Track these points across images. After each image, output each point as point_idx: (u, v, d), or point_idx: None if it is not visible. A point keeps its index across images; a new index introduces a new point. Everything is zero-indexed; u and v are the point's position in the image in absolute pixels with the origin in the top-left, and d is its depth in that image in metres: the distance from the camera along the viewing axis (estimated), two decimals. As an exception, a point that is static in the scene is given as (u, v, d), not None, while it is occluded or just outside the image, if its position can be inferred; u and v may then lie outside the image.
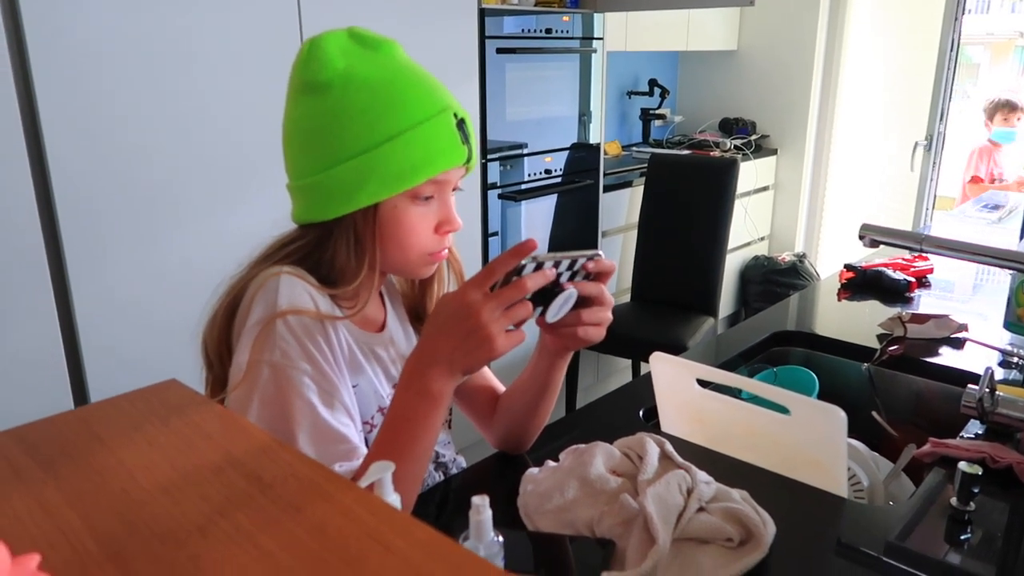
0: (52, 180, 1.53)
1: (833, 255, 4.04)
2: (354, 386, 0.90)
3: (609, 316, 0.84)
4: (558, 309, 0.80)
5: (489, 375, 1.10)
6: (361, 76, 0.84)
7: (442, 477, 1.03)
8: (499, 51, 2.41)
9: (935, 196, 4.02)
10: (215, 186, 1.77)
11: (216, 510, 0.46)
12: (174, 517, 0.45)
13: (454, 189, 0.92)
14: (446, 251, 0.93)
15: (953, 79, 3.79)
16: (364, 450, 0.84)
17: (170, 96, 1.66)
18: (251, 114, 1.79)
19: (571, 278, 0.80)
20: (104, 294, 1.63)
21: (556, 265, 0.77)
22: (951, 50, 3.70)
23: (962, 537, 0.89)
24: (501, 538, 0.69)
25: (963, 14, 3.66)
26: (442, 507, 0.97)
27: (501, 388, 1.08)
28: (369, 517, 0.45)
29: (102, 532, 0.44)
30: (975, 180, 3.95)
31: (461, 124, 0.88)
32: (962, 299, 1.78)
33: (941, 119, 3.84)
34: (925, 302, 1.73)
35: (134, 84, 1.61)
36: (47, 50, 1.48)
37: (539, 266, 0.76)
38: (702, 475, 0.87)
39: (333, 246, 0.89)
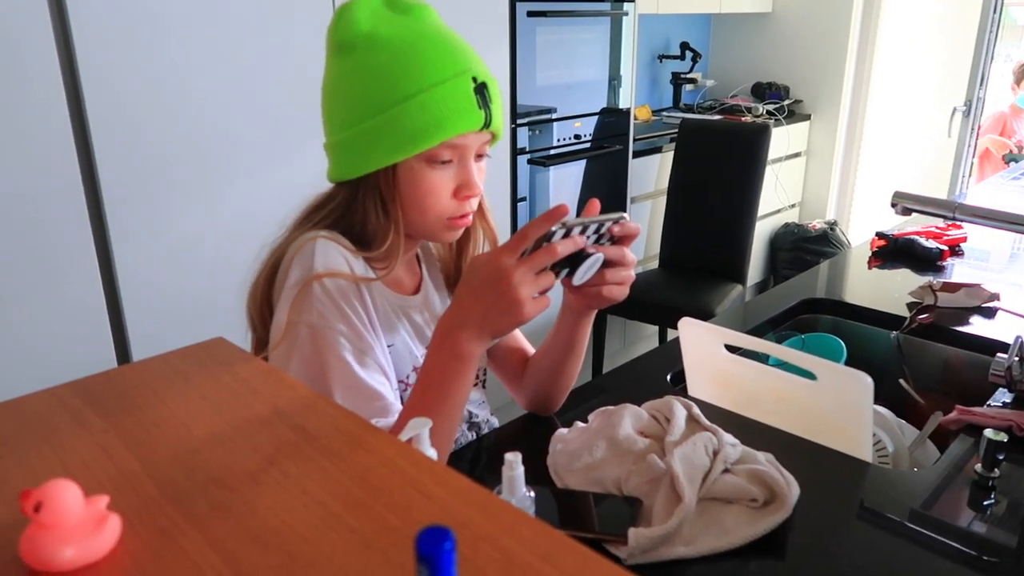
0: (93, 144, 1.56)
1: (865, 223, 3.99)
2: (389, 346, 0.93)
3: (632, 275, 0.85)
4: (584, 272, 0.81)
5: (520, 338, 1.12)
6: (384, 37, 0.86)
7: (475, 437, 1.05)
8: (530, 14, 2.39)
9: (972, 163, 3.93)
10: (260, 143, 1.80)
11: (266, 459, 0.49)
12: (227, 465, 0.48)
13: (480, 156, 0.93)
14: (468, 217, 0.94)
15: (996, 42, 3.68)
16: (399, 407, 0.87)
17: (209, 61, 1.68)
18: (289, 78, 1.80)
19: (597, 241, 0.82)
20: (146, 252, 1.67)
21: (584, 230, 0.79)
22: (994, 11, 3.59)
23: (986, 504, 0.90)
24: (532, 493, 0.72)
25: (1008, -26, 3.55)
26: (475, 463, 1.00)
27: (532, 350, 1.10)
28: (410, 467, 0.48)
29: (161, 477, 0.47)
30: (986, 155, 3.85)
31: (481, 88, 0.88)
32: (997, 269, 1.76)
33: (981, 84, 3.74)
34: (958, 271, 1.71)
35: (179, 37, 1.62)
36: (89, 25, 1.50)
37: (568, 232, 0.77)
38: (728, 437, 0.88)
39: (362, 207, 0.91)
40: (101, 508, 0.40)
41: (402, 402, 0.91)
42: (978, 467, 0.92)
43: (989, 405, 1.10)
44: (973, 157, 3.90)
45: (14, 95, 1.45)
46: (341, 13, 0.88)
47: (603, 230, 0.81)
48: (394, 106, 0.85)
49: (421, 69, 0.85)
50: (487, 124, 0.89)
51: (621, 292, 0.85)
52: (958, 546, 0.82)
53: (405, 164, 0.88)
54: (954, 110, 3.85)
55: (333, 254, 0.88)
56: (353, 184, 0.91)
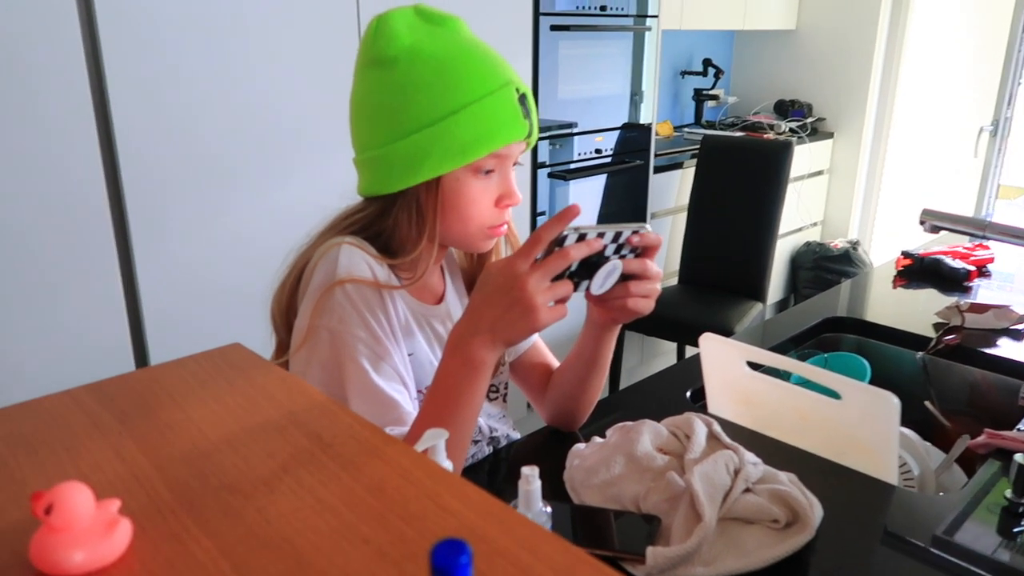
0: (118, 150, 1.57)
1: (888, 243, 3.94)
2: (409, 354, 0.93)
3: (658, 288, 0.84)
4: (602, 281, 0.80)
5: (545, 352, 1.11)
6: (427, 51, 0.86)
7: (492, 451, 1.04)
8: (553, 28, 2.39)
9: (999, 184, 3.88)
10: (277, 158, 1.81)
11: (280, 466, 0.48)
12: (241, 471, 0.47)
13: (514, 164, 0.93)
14: (505, 226, 0.94)
15: (1024, 62, 3.64)
16: (415, 415, 0.86)
17: (233, 72, 1.70)
18: (311, 88, 1.81)
19: (616, 251, 0.80)
20: (166, 262, 1.68)
21: (600, 236, 0.77)
22: (1023, 31, 3.55)
23: (1015, 530, 0.88)
24: (549, 508, 0.70)
25: (1037, -6, 3.51)
26: (493, 476, 0.99)
27: (556, 364, 1.08)
28: (426, 478, 0.47)
29: (175, 482, 0.46)
30: None
31: (523, 99, 0.89)
32: (1025, 290, 1.72)
33: (1009, 104, 3.70)
34: (985, 292, 1.68)
35: (199, 57, 1.64)
36: (116, 26, 1.52)
37: (582, 237, 0.76)
38: (750, 456, 0.86)
39: (395, 218, 0.91)
40: (112, 512, 0.40)
41: (419, 412, 0.90)
42: (1008, 493, 0.90)
43: (1019, 429, 1.07)
44: (1000, 178, 3.85)
45: (40, 98, 1.47)
46: (378, 27, 0.87)
47: (622, 239, 0.79)
48: (443, 119, 0.84)
49: (468, 82, 0.85)
50: (529, 133, 0.90)
51: (647, 305, 0.84)
52: (985, 574, 0.79)
53: (451, 175, 0.88)
54: (981, 130, 3.81)
55: (357, 260, 0.88)
56: (389, 196, 0.90)
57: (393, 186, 0.89)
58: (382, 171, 0.89)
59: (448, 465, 0.61)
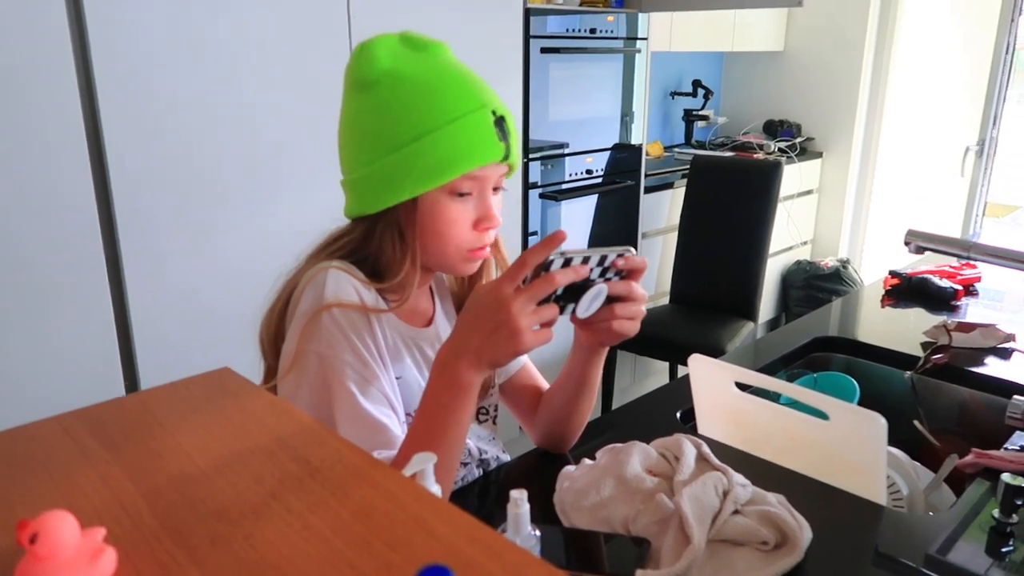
0: (110, 173, 1.58)
1: (878, 261, 3.97)
2: (398, 378, 0.93)
3: (643, 310, 0.85)
4: (588, 305, 0.81)
5: (535, 374, 1.11)
6: (405, 74, 0.87)
7: (482, 474, 1.04)
8: (543, 51, 2.42)
9: (986, 203, 3.92)
10: (267, 181, 1.82)
11: (269, 492, 0.48)
12: (229, 497, 0.47)
13: (497, 188, 0.94)
14: (487, 249, 0.94)
15: (1008, 83, 3.70)
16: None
17: (224, 94, 1.71)
18: (302, 112, 1.83)
19: (602, 274, 0.81)
20: (157, 285, 1.68)
21: (585, 261, 0.78)
22: (1006, 52, 3.61)
23: (1004, 550, 0.88)
24: (538, 532, 0.70)
25: (1020, 15, 3.57)
26: (482, 499, 0.99)
27: (546, 386, 1.09)
28: (413, 503, 0.47)
29: (161, 509, 0.46)
30: None
31: (500, 122, 0.89)
32: (1012, 309, 1.74)
33: (994, 124, 3.75)
34: (972, 311, 1.69)
35: (189, 82, 1.65)
36: (109, 53, 1.53)
37: (567, 262, 0.77)
38: (738, 477, 0.87)
39: (379, 240, 0.91)
40: (98, 540, 0.40)
41: (408, 435, 0.90)
42: (996, 512, 0.90)
43: (1007, 448, 1.08)
44: (987, 196, 3.89)
45: (31, 120, 1.47)
46: (360, 52, 0.89)
47: (607, 263, 0.80)
48: (418, 140, 0.86)
49: (444, 104, 0.86)
50: (506, 156, 0.90)
51: (631, 327, 0.84)
52: (976, 594, 0.79)
53: (428, 196, 0.89)
54: (967, 149, 3.85)
55: (344, 284, 0.88)
56: (372, 218, 0.92)
57: (374, 206, 0.90)
58: (363, 192, 0.90)
59: (436, 489, 0.61)
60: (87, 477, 0.49)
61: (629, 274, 0.82)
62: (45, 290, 1.53)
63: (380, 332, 0.90)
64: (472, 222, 0.91)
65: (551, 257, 0.75)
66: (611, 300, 0.82)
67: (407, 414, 0.94)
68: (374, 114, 0.88)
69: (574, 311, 0.81)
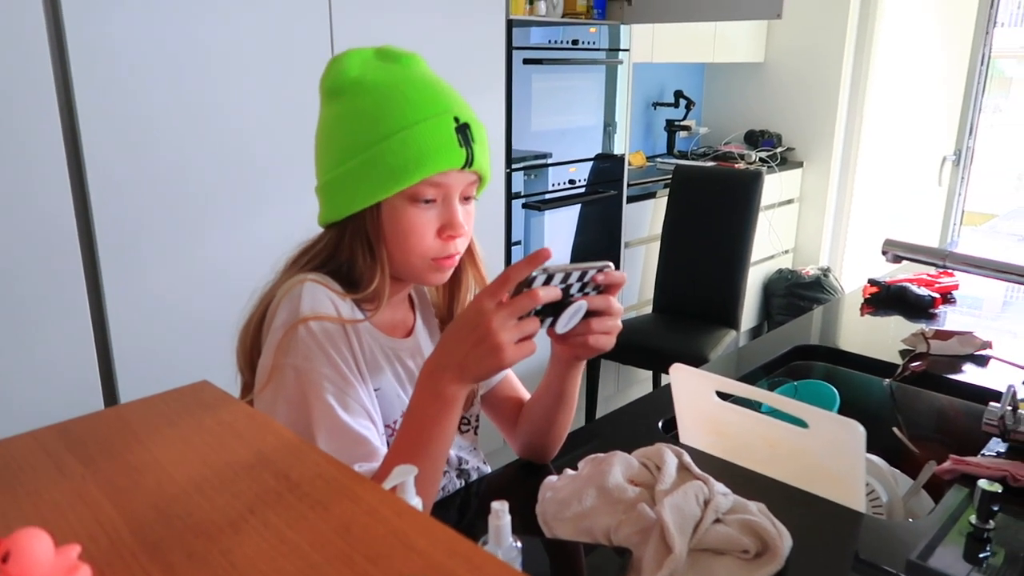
0: (89, 185, 1.57)
1: (858, 269, 4.01)
2: (376, 389, 0.92)
3: (619, 325, 0.85)
4: (567, 321, 0.81)
5: (517, 385, 1.11)
6: (370, 82, 0.88)
7: (463, 484, 1.04)
8: (526, 61, 2.43)
9: (963, 211, 3.98)
10: (246, 191, 1.81)
11: (247, 506, 0.48)
12: (207, 512, 0.47)
13: (468, 199, 0.93)
14: (454, 258, 0.94)
15: (984, 93, 3.75)
16: (384, 451, 0.86)
17: (204, 103, 1.70)
18: (283, 122, 1.82)
19: (581, 289, 0.81)
20: (136, 297, 1.66)
21: (567, 277, 0.79)
22: (982, 63, 3.67)
23: (981, 556, 0.89)
24: (519, 544, 0.70)
25: (995, 27, 3.63)
26: (463, 511, 0.99)
27: (527, 397, 1.09)
28: (393, 517, 0.47)
29: (138, 525, 0.46)
30: None
31: (464, 128, 0.88)
32: (989, 316, 1.76)
33: (970, 134, 3.80)
34: (950, 319, 1.72)
35: (169, 91, 1.65)
36: (87, 59, 1.52)
37: (550, 278, 0.77)
38: (719, 486, 0.87)
39: (348, 248, 0.92)
40: (72, 558, 0.39)
41: (388, 447, 0.90)
42: (973, 519, 0.91)
43: (983, 455, 1.09)
44: (964, 205, 3.95)
45: (9, 130, 1.46)
46: (332, 63, 0.91)
47: (587, 278, 0.81)
48: (376, 144, 0.86)
49: (403, 109, 0.86)
50: (469, 163, 0.89)
51: (607, 342, 0.85)
52: (954, 600, 0.80)
53: (389, 203, 0.89)
54: (944, 159, 3.90)
55: (320, 296, 0.88)
56: (340, 225, 0.92)
57: (340, 212, 0.91)
58: (331, 197, 0.91)
59: (417, 502, 0.61)
60: (63, 493, 0.49)
61: (607, 288, 0.83)
62: (22, 300, 1.52)
63: (358, 344, 0.90)
64: (435, 230, 0.91)
65: (534, 273, 0.76)
66: (588, 314, 0.83)
67: (386, 426, 0.93)
68: (339, 121, 0.90)
69: (552, 325, 0.81)
